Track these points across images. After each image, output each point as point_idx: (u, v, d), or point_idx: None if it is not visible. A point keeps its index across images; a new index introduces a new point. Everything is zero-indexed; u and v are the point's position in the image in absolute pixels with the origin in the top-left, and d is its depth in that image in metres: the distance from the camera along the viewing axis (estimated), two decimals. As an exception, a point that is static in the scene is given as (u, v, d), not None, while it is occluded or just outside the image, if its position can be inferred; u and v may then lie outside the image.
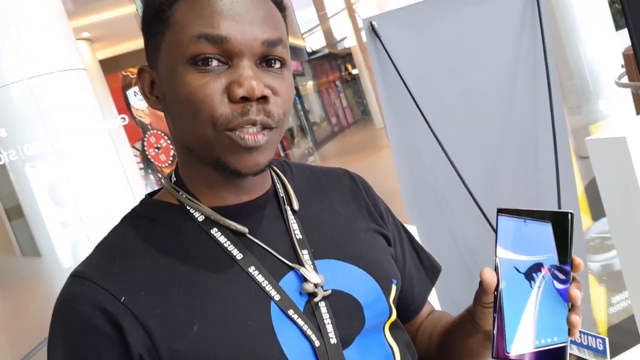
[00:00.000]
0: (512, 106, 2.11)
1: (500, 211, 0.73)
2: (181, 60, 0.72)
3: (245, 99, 0.71)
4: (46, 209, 2.96)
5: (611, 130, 2.18)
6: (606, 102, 4.74)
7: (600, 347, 1.65)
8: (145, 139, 7.90)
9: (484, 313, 0.77)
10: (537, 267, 0.70)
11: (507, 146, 2.12)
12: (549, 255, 0.69)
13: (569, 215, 0.68)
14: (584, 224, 3.04)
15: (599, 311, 2.89)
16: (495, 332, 0.71)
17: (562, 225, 0.68)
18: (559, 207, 2.02)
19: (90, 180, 2.97)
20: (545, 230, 0.69)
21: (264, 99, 0.72)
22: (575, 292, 0.69)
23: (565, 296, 0.69)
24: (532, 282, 0.70)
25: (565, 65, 4.96)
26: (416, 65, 2.01)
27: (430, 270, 0.99)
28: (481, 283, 0.74)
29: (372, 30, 1.91)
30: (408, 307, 0.96)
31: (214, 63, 0.71)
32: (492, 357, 0.71)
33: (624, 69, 4.59)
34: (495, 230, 0.72)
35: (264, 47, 0.73)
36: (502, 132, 2.11)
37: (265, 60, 0.74)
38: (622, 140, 1.99)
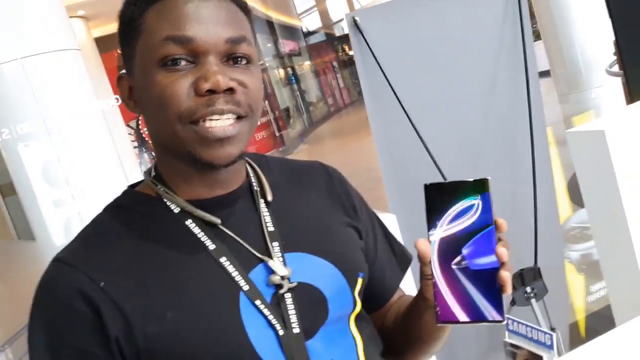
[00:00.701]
0: (492, 99, 2.15)
1: (427, 187, 0.77)
2: (152, 63, 0.77)
3: (211, 92, 0.75)
4: (39, 188, 2.99)
5: (592, 123, 2.22)
6: (598, 90, 4.75)
7: (548, 342, 1.71)
8: (140, 118, 7.89)
9: (429, 285, 0.80)
10: (465, 232, 0.75)
11: (487, 139, 2.16)
12: (475, 220, 0.75)
13: (487, 180, 0.75)
14: (567, 213, 3.10)
15: (577, 298, 2.95)
16: (436, 300, 0.76)
17: (483, 190, 0.75)
18: (535, 198, 2.07)
19: (82, 160, 3.01)
20: (469, 197, 0.75)
21: (230, 90, 0.76)
22: (502, 250, 0.74)
23: (493, 255, 0.74)
24: (461, 247, 0.75)
25: (558, 52, 4.95)
26: (399, 59, 2.04)
27: (401, 260, 1.03)
28: (419, 255, 0.78)
29: (355, 25, 1.94)
30: (379, 295, 1.00)
31: (182, 63, 0.76)
32: (437, 324, 0.76)
33: (615, 57, 4.59)
34: (425, 204, 0.77)
35: (228, 44, 0.77)
36: (483, 125, 2.15)
37: (232, 58, 0.78)
38: (601, 133, 2.02)
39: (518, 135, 2.17)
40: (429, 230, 0.77)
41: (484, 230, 0.75)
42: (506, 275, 0.74)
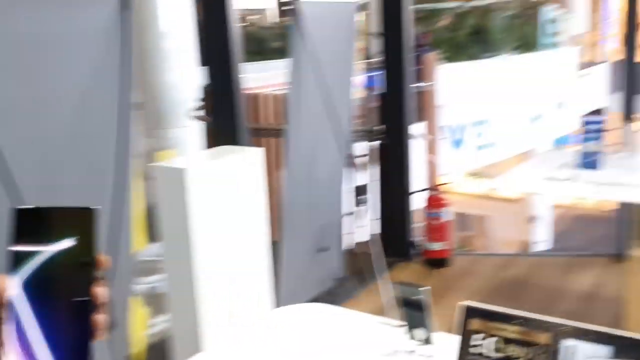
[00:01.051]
0: (82, 122, 2.04)
1: (16, 211, 0.63)
2: None
3: None
4: None
5: (173, 161, 2.35)
6: (184, 129, 5.06)
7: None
8: None
9: (3, 330, 0.64)
10: (57, 268, 0.63)
11: (72, 162, 2.03)
12: (63, 254, 0.63)
13: (93, 211, 0.65)
14: (142, 246, 3.12)
15: (139, 331, 2.98)
16: (8, 348, 0.61)
17: (84, 221, 0.64)
18: (110, 225, 2.03)
19: None
20: (65, 228, 0.64)
21: None
22: (99, 290, 0.65)
23: (89, 295, 0.64)
24: (50, 284, 0.63)
25: (151, 87, 5.12)
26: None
27: None
28: None
29: None
30: None
31: None
32: None
33: (202, 103, 5.00)
34: (12, 231, 0.63)
35: None
36: (68, 146, 2.01)
37: None
38: (181, 171, 2.15)
39: (102, 162, 2.11)
40: (20, 264, 0.62)
41: (83, 266, 0.63)
42: (100, 319, 0.64)
